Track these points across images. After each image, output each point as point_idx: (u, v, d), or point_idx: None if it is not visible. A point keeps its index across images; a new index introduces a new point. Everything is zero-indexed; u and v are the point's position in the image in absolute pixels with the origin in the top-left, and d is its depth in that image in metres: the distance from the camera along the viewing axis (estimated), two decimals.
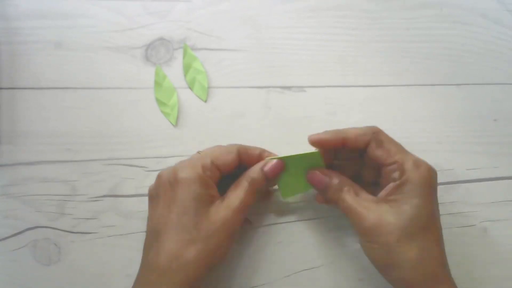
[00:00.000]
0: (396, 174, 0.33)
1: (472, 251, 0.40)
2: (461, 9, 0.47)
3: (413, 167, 0.32)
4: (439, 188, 0.41)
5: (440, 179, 0.41)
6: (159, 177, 0.34)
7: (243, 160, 0.35)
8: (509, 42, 0.47)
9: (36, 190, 0.39)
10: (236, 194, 0.33)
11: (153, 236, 0.33)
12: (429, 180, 0.32)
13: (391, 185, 0.33)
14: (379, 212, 0.31)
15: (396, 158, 0.33)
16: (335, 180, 0.34)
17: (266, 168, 0.34)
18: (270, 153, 0.36)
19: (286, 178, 0.36)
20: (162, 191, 0.33)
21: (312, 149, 0.35)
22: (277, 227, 0.40)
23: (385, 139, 0.34)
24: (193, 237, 0.31)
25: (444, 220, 0.41)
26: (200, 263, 0.31)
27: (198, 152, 0.35)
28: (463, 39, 0.46)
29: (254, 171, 0.34)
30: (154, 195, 0.34)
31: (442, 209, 0.41)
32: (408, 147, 0.43)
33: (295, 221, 0.40)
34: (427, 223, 0.32)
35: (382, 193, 0.33)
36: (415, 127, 0.43)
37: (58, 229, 0.39)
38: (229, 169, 0.35)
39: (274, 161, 0.35)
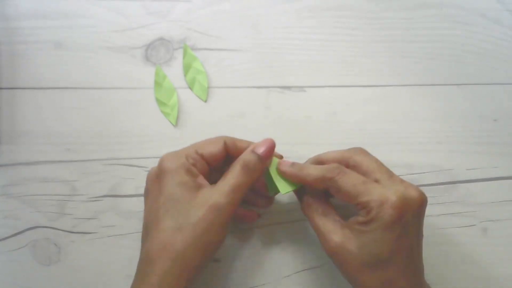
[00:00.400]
0: (363, 213, 0.31)
1: (472, 251, 0.40)
2: (461, 9, 0.47)
3: (378, 205, 0.30)
4: (439, 188, 0.42)
5: (440, 179, 0.42)
6: (148, 174, 0.35)
7: (231, 152, 0.35)
8: (509, 42, 0.46)
9: (36, 190, 0.39)
10: (226, 178, 0.33)
11: (145, 230, 0.33)
12: (394, 215, 0.30)
13: (360, 218, 0.31)
14: (342, 238, 0.31)
15: (358, 201, 0.31)
16: (306, 197, 0.34)
17: (257, 148, 0.33)
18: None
19: (274, 173, 0.35)
20: (151, 185, 0.34)
21: None
22: (277, 227, 0.40)
23: (343, 184, 0.32)
24: (180, 224, 0.31)
25: (444, 220, 0.41)
26: (190, 250, 0.30)
27: None
28: (463, 39, 0.46)
29: (245, 154, 0.33)
30: (145, 192, 0.35)
31: (442, 209, 0.41)
32: (408, 147, 0.43)
33: (295, 221, 0.40)
34: (388, 258, 0.30)
35: (352, 219, 0.32)
36: (415, 127, 0.43)
37: (58, 229, 0.39)
38: (216, 160, 0.34)
39: (265, 139, 0.34)
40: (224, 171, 0.34)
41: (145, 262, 0.31)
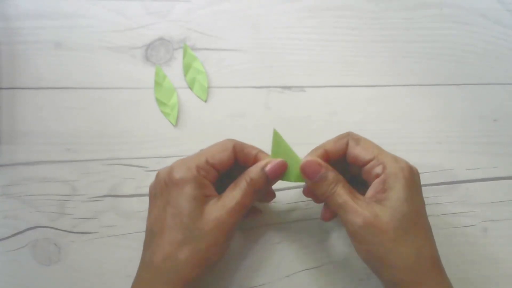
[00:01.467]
0: (378, 169, 0.32)
1: (472, 251, 0.40)
2: (461, 9, 0.47)
3: (393, 161, 0.32)
4: (439, 188, 0.42)
5: (440, 179, 0.42)
6: (157, 176, 0.34)
7: (239, 158, 0.34)
8: (509, 42, 0.46)
9: (36, 190, 0.39)
10: (232, 194, 0.33)
11: (150, 236, 0.33)
12: (410, 174, 0.32)
13: (376, 181, 0.32)
14: (372, 211, 0.31)
15: (375, 154, 0.33)
16: (331, 173, 0.33)
17: (268, 168, 0.33)
18: (267, 154, 0.35)
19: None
20: (159, 191, 0.33)
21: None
22: (277, 227, 0.40)
23: (361, 138, 0.34)
24: (186, 237, 0.31)
25: (444, 220, 0.41)
26: (194, 263, 0.31)
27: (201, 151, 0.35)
28: (463, 39, 0.46)
29: (254, 171, 0.33)
30: (152, 194, 0.34)
31: (442, 209, 0.41)
32: (408, 147, 0.43)
33: (295, 221, 0.40)
34: (417, 219, 0.32)
35: (370, 192, 0.33)
36: (415, 127, 0.43)
37: (58, 229, 0.39)
38: (225, 167, 0.34)
39: (277, 160, 0.33)
40: (233, 175, 0.34)
41: (148, 270, 0.32)
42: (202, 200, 0.32)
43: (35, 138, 0.41)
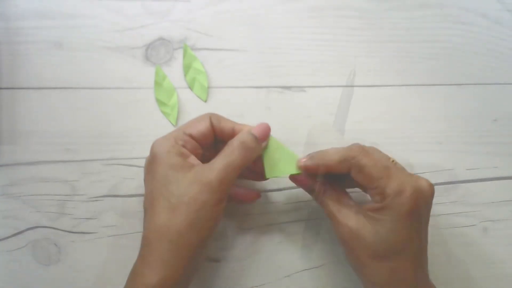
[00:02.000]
0: (377, 198, 0.32)
1: (472, 251, 0.40)
2: (461, 9, 0.47)
3: (395, 193, 0.31)
4: (439, 188, 0.42)
5: (440, 179, 0.42)
6: (144, 164, 0.35)
7: (216, 130, 0.35)
8: (509, 42, 0.46)
9: (36, 190, 0.39)
10: (220, 155, 0.32)
11: (144, 215, 0.33)
12: (410, 207, 0.30)
13: (374, 204, 0.32)
14: (357, 224, 0.31)
15: (376, 184, 0.31)
16: (317, 185, 0.34)
17: (255, 130, 0.33)
18: (244, 125, 0.35)
19: (271, 156, 0.35)
20: (146, 173, 0.34)
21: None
22: (277, 227, 0.40)
23: (366, 164, 0.32)
24: (173, 203, 0.31)
25: (444, 220, 0.41)
26: (185, 228, 0.30)
27: None
28: (463, 39, 0.46)
29: (242, 134, 0.33)
30: (144, 181, 0.35)
31: (442, 209, 0.41)
32: (408, 147, 0.43)
33: (295, 221, 0.40)
34: (401, 248, 0.31)
35: (366, 205, 0.33)
36: (415, 127, 0.43)
37: (58, 229, 0.39)
38: (205, 138, 0.34)
39: (261, 123, 0.34)
40: (217, 150, 0.34)
41: (143, 245, 0.32)
42: (185, 167, 0.32)
43: (35, 138, 0.41)
